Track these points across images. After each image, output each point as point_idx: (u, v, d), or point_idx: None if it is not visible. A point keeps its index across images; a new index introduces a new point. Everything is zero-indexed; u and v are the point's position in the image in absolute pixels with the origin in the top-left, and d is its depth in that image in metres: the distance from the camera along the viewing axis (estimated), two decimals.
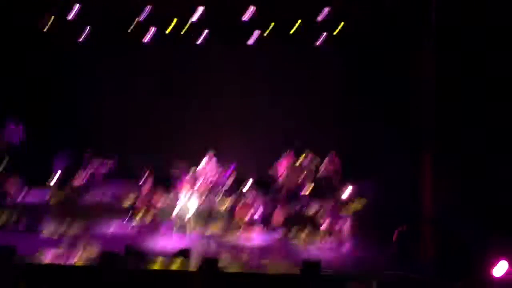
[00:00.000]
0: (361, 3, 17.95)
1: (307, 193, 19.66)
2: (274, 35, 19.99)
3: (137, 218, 19.28)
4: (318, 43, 20.55)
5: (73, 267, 15.41)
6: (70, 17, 18.76)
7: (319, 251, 17.06)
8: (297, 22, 18.97)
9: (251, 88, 22.32)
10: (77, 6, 18.70)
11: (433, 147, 16.30)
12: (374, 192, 19.68)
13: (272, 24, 19.64)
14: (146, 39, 20.97)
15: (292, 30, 19.19)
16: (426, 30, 16.78)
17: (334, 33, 19.63)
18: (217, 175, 20.22)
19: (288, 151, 20.08)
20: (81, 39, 20.81)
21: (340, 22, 19.42)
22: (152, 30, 20.43)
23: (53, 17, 19.81)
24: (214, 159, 20.50)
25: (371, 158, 19.27)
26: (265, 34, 20.04)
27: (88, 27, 20.24)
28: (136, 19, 19.14)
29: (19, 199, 18.90)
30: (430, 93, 16.76)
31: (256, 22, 18.53)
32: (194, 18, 18.46)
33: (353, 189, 20.14)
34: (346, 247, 17.28)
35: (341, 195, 19.73)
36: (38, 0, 18.24)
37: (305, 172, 19.70)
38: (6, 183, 19.10)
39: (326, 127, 22.10)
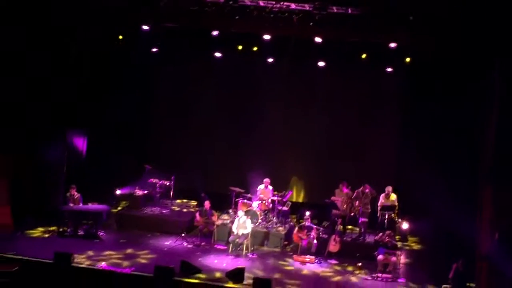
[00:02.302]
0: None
1: (363, 225, 19.50)
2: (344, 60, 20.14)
3: (194, 235, 19.46)
4: (386, 71, 20.64)
5: (129, 276, 15.52)
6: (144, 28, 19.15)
7: (373, 282, 16.88)
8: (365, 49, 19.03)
9: (312, 115, 22.44)
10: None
11: (493, 182, 15.98)
12: (431, 227, 19.45)
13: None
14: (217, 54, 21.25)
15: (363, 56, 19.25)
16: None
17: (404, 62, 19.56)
18: (274, 200, 20.24)
19: (346, 181, 19.97)
20: (154, 50, 21.18)
21: (407, 55, 19.29)
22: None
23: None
24: (269, 184, 20.53)
25: (428, 193, 19.00)
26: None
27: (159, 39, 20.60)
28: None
29: (80, 207, 19.20)
30: (490, 130, 16.53)
31: (327, 45, 18.61)
32: (266, 37, 18.60)
33: (409, 224, 20.13)
34: (401, 280, 17.09)
35: (397, 229, 19.62)
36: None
37: (362, 203, 19.55)
38: (68, 192, 19.44)
39: (385, 160, 22.10)
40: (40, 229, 19.17)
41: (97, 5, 18.34)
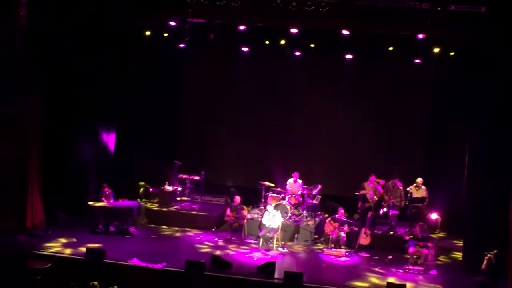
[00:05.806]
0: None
1: (393, 218, 19.39)
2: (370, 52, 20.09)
3: (224, 230, 19.52)
4: (415, 61, 20.53)
5: (160, 271, 15.58)
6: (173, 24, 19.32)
7: (405, 274, 16.79)
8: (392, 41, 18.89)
9: (340, 108, 22.45)
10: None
11: None
12: (461, 218, 19.20)
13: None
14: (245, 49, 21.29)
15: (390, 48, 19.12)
16: None
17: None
18: (304, 194, 20.23)
19: (375, 174, 19.89)
20: (181, 45, 21.06)
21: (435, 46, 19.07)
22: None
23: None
24: (298, 178, 20.57)
25: (458, 183, 18.81)
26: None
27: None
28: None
29: (111, 203, 19.27)
30: None
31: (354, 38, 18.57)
32: (293, 30, 18.60)
33: (439, 216, 20.04)
34: (433, 272, 16.98)
35: (427, 221, 19.50)
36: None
37: (393, 196, 19.43)
38: (100, 189, 19.53)
39: (414, 152, 22.01)
40: None
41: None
